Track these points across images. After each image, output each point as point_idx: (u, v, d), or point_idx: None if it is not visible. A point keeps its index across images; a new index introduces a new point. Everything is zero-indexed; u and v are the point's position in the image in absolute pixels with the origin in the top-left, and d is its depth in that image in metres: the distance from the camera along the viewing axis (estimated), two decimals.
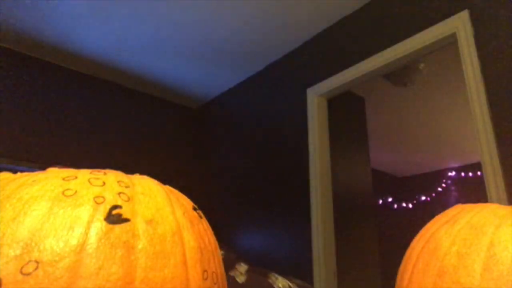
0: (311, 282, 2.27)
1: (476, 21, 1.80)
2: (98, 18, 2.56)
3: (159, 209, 0.32)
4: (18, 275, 0.24)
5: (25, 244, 0.25)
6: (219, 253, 0.37)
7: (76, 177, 0.31)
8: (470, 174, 5.04)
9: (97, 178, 0.32)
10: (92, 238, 0.27)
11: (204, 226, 0.36)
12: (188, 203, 0.37)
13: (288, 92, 2.85)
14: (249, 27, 2.63)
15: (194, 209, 0.37)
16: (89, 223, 0.27)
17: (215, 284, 0.32)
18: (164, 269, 0.28)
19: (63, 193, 0.29)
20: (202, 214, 0.38)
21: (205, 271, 0.32)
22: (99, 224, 0.28)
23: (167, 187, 0.37)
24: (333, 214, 2.42)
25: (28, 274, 0.24)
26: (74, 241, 0.26)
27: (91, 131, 2.92)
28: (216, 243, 0.37)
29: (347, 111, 2.99)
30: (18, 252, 0.25)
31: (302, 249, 2.42)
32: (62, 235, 0.26)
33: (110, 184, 0.31)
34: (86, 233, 0.27)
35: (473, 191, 4.78)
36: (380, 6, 2.32)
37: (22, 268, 0.24)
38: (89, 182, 0.31)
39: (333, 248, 2.35)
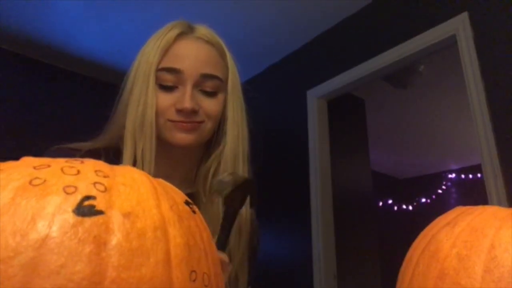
0: (311, 284, 2.27)
1: (475, 23, 1.80)
2: (98, 20, 2.56)
3: (140, 201, 0.28)
4: None
5: None
6: (215, 252, 0.34)
7: (49, 166, 0.28)
8: (470, 176, 5.04)
9: (72, 167, 0.29)
10: (56, 232, 0.24)
11: (197, 222, 0.32)
12: (180, 196, 0.34)
13: (288, 94, 2.85)
14: (249, 30, 2.63)
15: (187, 203, 0.34)
16: (54, 215, 0.24)
17: (206, 286, 0.29)
18: (141, 268, 0.25)
19: (30, 182, 0.26)
20: (196, 209, 0.35)
21: (193, 271, 0.28)
22: (66, 216, 0.24)
23: (158, 179, 0.34)
24: (333, 216, 2.42)
25: None
26: (34, 235, 0.23)
27: (91, 133, 2.91)
28: (212, 241, 0.34)
29: (347, 113, 2.99)
30: None
31: (302, 251, 2.42)
32: (21, 228, 0.23)
33: (85, 173, 0.28)
34: (50, 226, 0.24)
35: (473, 193, 4.77)
36: (380, 8, 2.32)
37: None
38: (62, 170, 0.28)
39: (333, 250, 2.34)
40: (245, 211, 0.69)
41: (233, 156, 0.71)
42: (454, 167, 5.24)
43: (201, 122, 0.68)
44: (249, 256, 0.71)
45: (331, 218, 2.40)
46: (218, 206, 0.69)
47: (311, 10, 2.45)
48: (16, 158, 0.31)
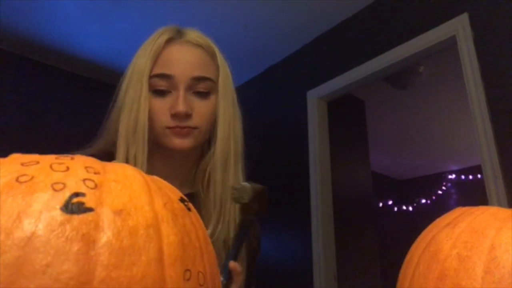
0: (311, 285, 2.26)
1: (475, 24, 1.80)
2: (98, 21, 2.56)
3: (132, 198, 0.28)
4: None
5: None
6: (211, 251, 0.33)
7: (37, 162, 0.28)
8: (470, 177, 5.03)
9: (61, 163, 0.28)
10: (42, 230, 0.23)
11: (192, 220, 0.32)
12: (174, 193, 0.33)
13: (288, 95, 2.85)
14: (249, 30, 2.64)
15: (182, 200, 0.33)
16: (41, 212, 0.23)
17: (201, 285, 0.28)
18: (133, 267, 0.24)
19: (17, 179, 0.25)
20: (191, 207, 0.34)
21: (187, 270, 0.28)
22: (53, 214, 0.24)
23: (152, 176, 0.34)
24: (333, 217, 2.41)
25: None
26: (19, 233, 0.22)
27: (90, 134, 2.90)
28: (208, 240, 0.33)
29: (347, 114, 2.98)
30: None
31: (302, 252, 2.41)
32: (6, 227, 0.22)
33: (74, 169, 0.28)
34: (36, 224, 0.23)
35: (473, 194, 4.77)
36: (380, 9, 2.32)
37: None
38: (51, 167, 0.27)
39: (333, 251, 2.34)
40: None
41: (224, 155, 0.72)
42: (454, 168, 5.24)
43: (195, 128, 0.70)
44: (248, 258, 0.72)
45: (331, 219, 2.39)
46: (218, 204, 0.70)
47: (311, 11, 2.45)
48: None
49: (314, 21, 2.55)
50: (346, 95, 2.64)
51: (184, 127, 0.68)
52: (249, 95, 3.18)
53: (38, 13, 2.47)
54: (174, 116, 0.68)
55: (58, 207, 0.24)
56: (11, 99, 2.74)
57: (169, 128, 0.69)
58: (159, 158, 0.72)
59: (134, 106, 0.68)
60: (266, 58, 2.93)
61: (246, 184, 0.53)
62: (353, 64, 2.36)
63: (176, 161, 0.75)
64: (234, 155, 0.73)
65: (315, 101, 2.58)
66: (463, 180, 5.14)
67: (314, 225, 2.35)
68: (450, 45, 1.94)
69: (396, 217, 5.33)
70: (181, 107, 0.67)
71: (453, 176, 5.25)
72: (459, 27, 1.85)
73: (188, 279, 0.27)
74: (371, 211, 2.98)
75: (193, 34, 0.75)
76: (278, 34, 2.67)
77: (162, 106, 0.69)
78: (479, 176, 4.82)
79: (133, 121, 0.68)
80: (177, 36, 0.74)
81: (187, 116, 0.69)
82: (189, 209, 0.33)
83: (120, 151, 0.68)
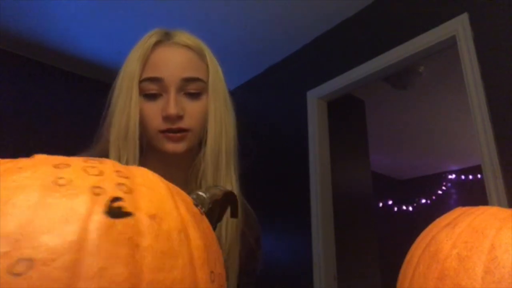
0: (311, 285, 2.26)
1: (475, 24, 1.80)
2: (98, 21, 2.56)
3: (162, 202, 0.28)
4: (7, 276, 0.21)
5: (14, 240, 0.22)
6: (220, 253, 0.34)
7: (69, 165, 0.27)
8: (470, 177, 5.03)
9: (93, 167, 0.28)
10: (93, 234, 0.23)
11: (207, 224, 0.33)
12: (187, 198, 0.34)
13: (288, 95, 2.85)
14: (249, 30, 2.63)
15: (196, 205, 0.34)
16: (88, 216, 0.24)
17: (221, 286, 0.30)
18: (173, 270, 0.25)
19: (55, 182, 0.25)
20: (202, 211, 0.35)
21: (211, 272, 0.29)
22: (99, 218, 0.24)
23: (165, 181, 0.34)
24: (333, 217, 2.41)
25: (19, 274, 0.21)
26: (72, 237, 0.23)
27: (90, 134, 2.90)
28: (217, 242, 0.34)
29: (347, 114, 2.99)
30: (7, 249, 0.21)
31: (302, 252, 2.41)
32: (58, 230, 0.23)
33: (108, 173, 0.28)
34: (85, 228, 0.23)
35: (473, 194, 4.78)
36: (380, 9, 2.32)
37: (12, 267, 0.21)
38: (85, 170, 0.27)
39: (333, 251, 2.34)
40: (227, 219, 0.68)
41: (215, 155, 0.71)
42: (454, 168, 5.24)
43: (187, 129, 0.69)
44: (243, 258, 0.71)
45: (331, 219, 2.39)
46: None
47: (311, 11, 2.45)
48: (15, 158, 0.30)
49: (314, 21, 2.55)
50: (346, 95, 2.64)
51: (176, 129, 0.68)
52: (249, 95, 3.18)
53: (38, 13, 2.47)
54: (166, 118, 0.67)
55: (101, 211, 0.25)
56: (11, 99, 2.74)
57: (162, 131, 0.68)
58: (155, 162, 0.71)
59: (125, 111, 0.68)
60: (266, 58, 2.93)
61: (200, 193, 0.51)
62: (353, 64, 2.36)
63: (172, 164, 0.74)
64: (226, 155, 0.72)
65: (315, 101, 2.58)
66: (463, 180, 5.14)
67: (314, 225, 2.35)
68: (450, 45, 1.94)
69: (396, 217, 5.34)
70: (172, 110, 0.67)
71: (453, 176, 5.25)
72: (459, 27, 1.85)
73: (213, 281, 0.28)
74: (371, 211, 2.98)
75: (181, 36, 0.74)
76: (278, 34, 2.67)
77: (153, 109, 0.68)
78: (479, 176, 4.82)
79: (124, 126, 0.67)
80: (165, 38, 0.73)
81: (179, 117, 0.68)
82: (201, 214, 0.34)
83: (112, 156, 0.68)
